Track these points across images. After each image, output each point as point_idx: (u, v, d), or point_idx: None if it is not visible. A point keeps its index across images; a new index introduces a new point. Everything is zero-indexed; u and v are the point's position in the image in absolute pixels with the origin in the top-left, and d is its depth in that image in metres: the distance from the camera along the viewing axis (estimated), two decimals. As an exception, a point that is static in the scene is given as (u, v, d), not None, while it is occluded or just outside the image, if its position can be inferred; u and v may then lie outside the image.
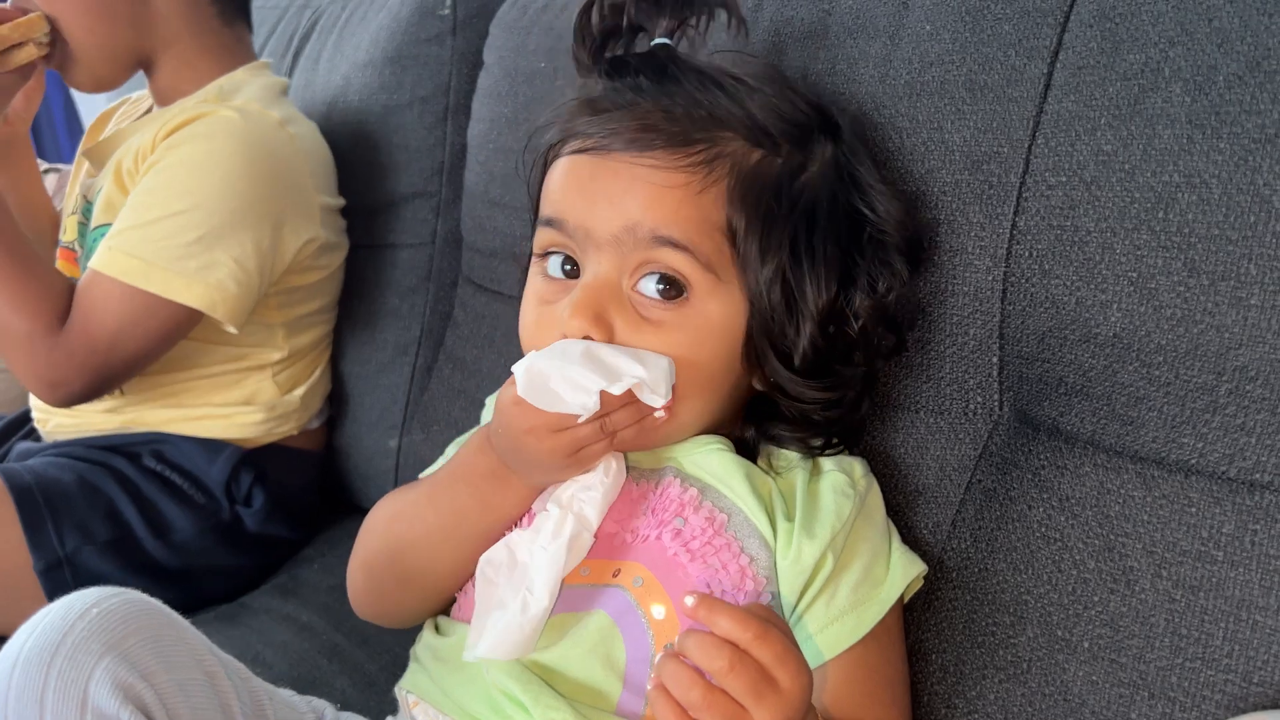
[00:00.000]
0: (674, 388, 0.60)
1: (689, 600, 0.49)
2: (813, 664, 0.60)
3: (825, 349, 0.63)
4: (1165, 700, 0.56)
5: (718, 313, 0.62)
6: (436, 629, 0.69)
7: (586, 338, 0.60)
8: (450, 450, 0.75)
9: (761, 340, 0.63)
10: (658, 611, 0.60)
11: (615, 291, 0.61)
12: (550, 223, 0.63)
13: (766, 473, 0.65)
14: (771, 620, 0.50)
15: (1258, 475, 0.55)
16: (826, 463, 0.66)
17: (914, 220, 0.67)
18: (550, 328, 0.62)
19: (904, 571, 0.63)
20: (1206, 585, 0.55)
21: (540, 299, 0.65)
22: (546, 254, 0.64)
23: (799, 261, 0.62)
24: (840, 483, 0.64)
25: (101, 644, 0.50)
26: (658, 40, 0.67)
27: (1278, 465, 0.54)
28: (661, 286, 0.60)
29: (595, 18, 0.67)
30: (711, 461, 0.64)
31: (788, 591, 0.61)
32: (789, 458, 0.67)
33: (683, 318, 0.61)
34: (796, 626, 0.61)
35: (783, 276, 0.62)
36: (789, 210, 0.62)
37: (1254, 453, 0.55)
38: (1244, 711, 0.52)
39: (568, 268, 0.63)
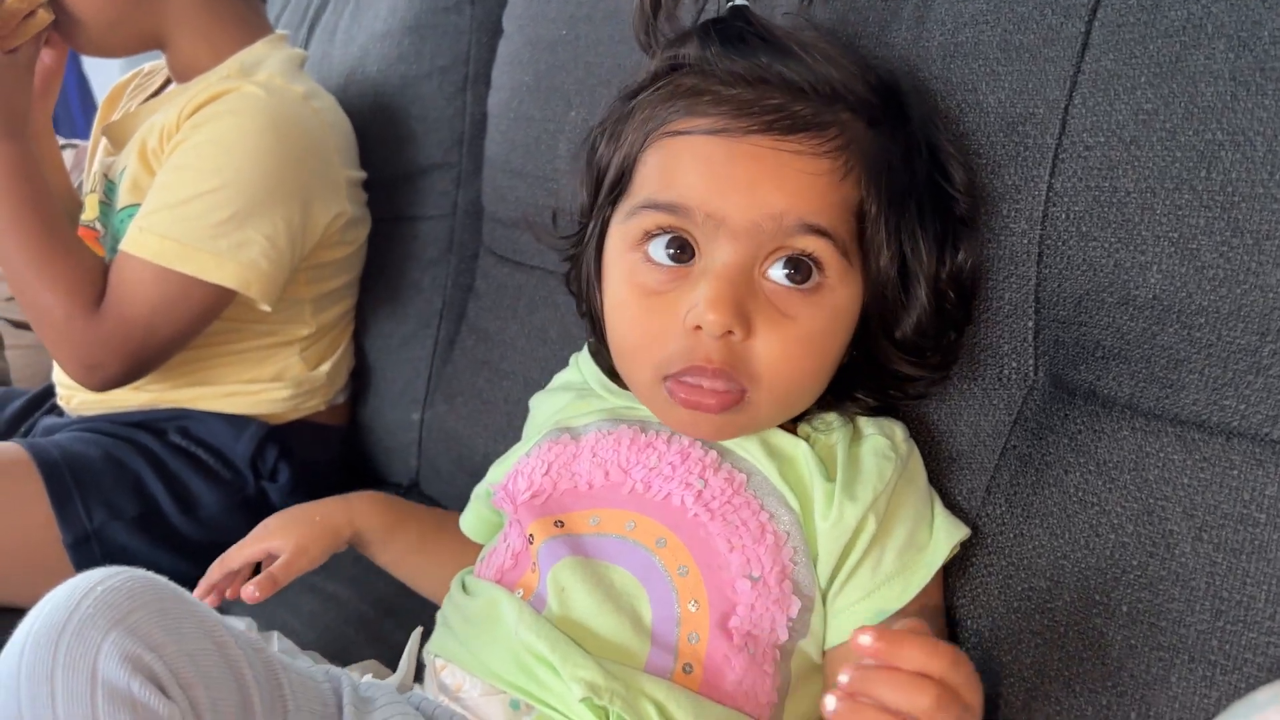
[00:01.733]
0: (784, 390, 0.60)
1: (864, 639, 0.45)
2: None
3: (930, 323, 0.64)
4: (1206, 664, 0.55)
5: (845, 298, 0.61)
6: (464, 588, 0.69)
7: (728, 334, 0.58)
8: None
9: (875, 320, 0.63)
10: (682, 570, 0.60)
11: (749, 280, 0.59)
12: (668, 208, 0.59)
13: (800, 436, 0.65)
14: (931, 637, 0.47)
15: (1302, 437, 0.54)
16: (867, 426, 0.66)
17: (977, 186, 0.66)
18: (668, 321, 0.60)
19: (948, 535, 0.63)
20: (1248, 548, 0.55)
21: (645, 289, 0.61)
22: (649, 236, 0.61)
23: (914, 238, 0.63)
24: (881, 446, 0.64)
25: (108, 619, 0.50)
26: (736, 3, 0.64)
27: (1323, 426, 0.54)
28: (789, 271, 0.59)
29: None
30: None
31: (828, 553, 0.61)
32: (827, 420, 0.66)
33: (816, 307, 0.60)
34: (841, 593, 0.61)
35: (901, 254, 0.62)
36: (905, 188, 0.62)
37: (1298, 414, 0.55)
38: (1287, 674, 0.52)
39: (672, 252, 0.60)
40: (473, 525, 0.79)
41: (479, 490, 0.77)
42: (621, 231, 0.63)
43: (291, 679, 0.60)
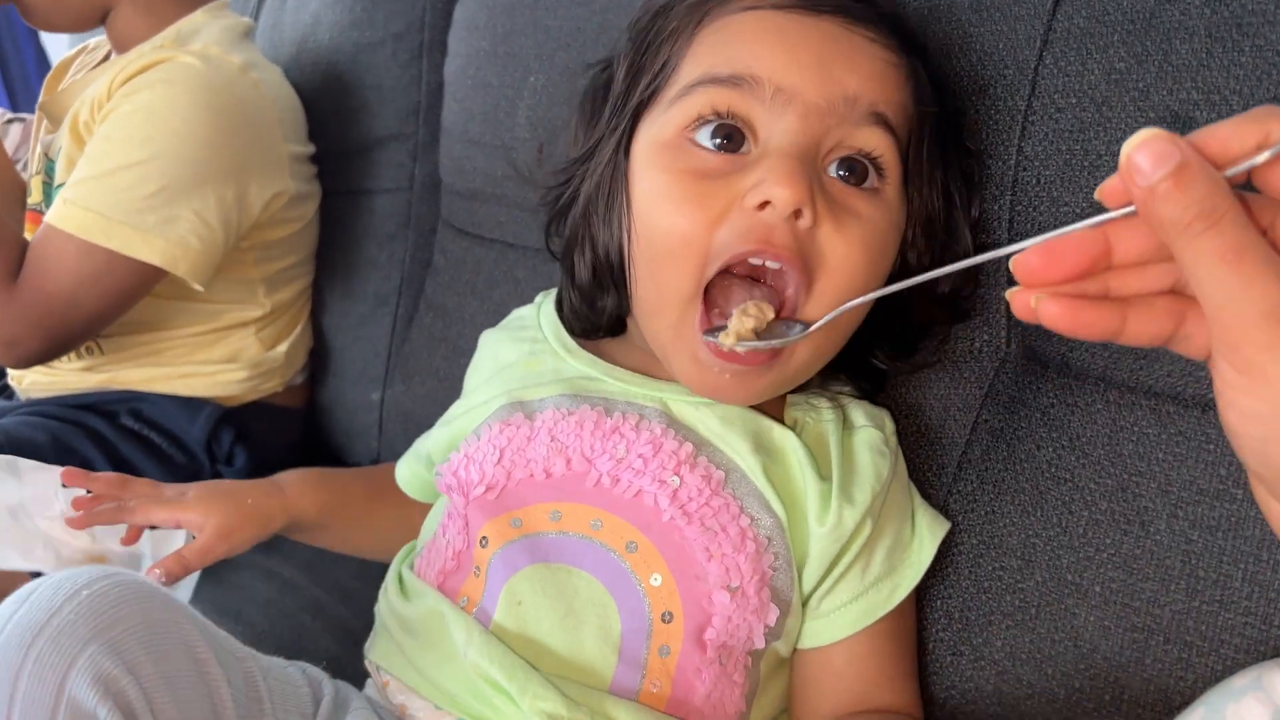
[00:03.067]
0: (841, 293, 0.53)
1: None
2: (844, 634, 0.58)
3: (967, 272, 0.61)
4: (1181, 645, 0.53)
5: (897, 213, 0.57)
6: (401, 586, 0.64)
7: (796, 214, 0.52)
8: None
9: (915, 254, 0.59)
10: (655, 579, 0.55)
11: (815, 166, 0.54)
12: (731, 80, 0.54)
13: (787, 424, 0.61)
14: None
15: None
16: (856, 414, 0.62)
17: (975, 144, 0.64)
18: (722, 202, 0.53)
19: (933, 533, 0.60)
20: (1225, 525, 0.53)
21: (693, 172, 0.54)
22: (700, 121, 0.55)
23: (956, 178, 0.60)
24: (875, 440, 0.60)
25: (89, 629, 0.47)
26: None
27: (1302, 398, 0.52)
28: (844, 173, 0.55)
29: None
30: (709, 414, 0.59)
31: (820, 557, 0.57)
32: (814, 406, 0.62)
33: (875, 210, 0.55)
34: (829, 595, 0.58)
35: (944, 187, 0.59)
36: (945, 126, 0.60)
37: (1276, 385, 0.52)
38: (1263, 656, 0.50)
39: (719, 141, 0.55)
40: (412, 485, 0.75)
41: (419, 449, 0.73)
42: (663, 120, 0.56)
43: (272, 687, 0.56)
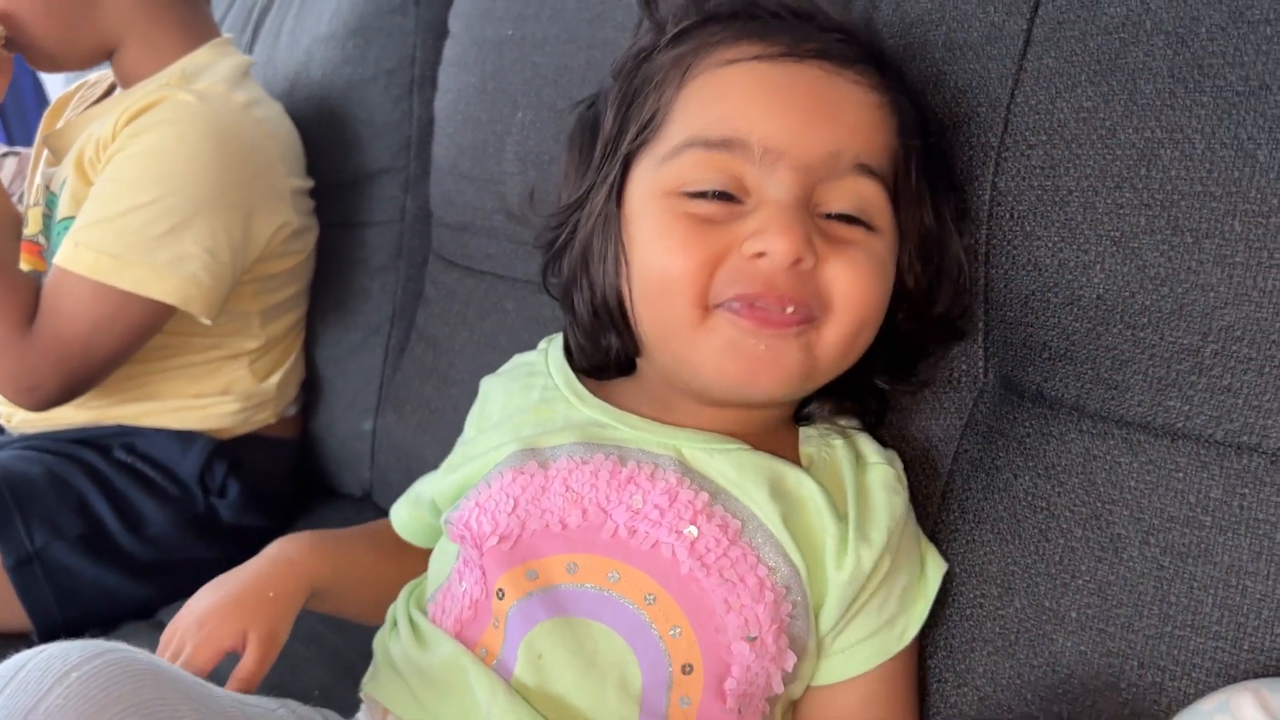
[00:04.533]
0: (857, 319, 0.56)
1: None
2: (857, 672, 0.59)
3: (965, 293, 0.63)
4: (1155, 669, 0.55)
5: (891, 241, 0.59)
6: (415, 631, 0.62)
7: (797, 262, 0.53)
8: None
9: (911, 284, 0.61)
10: (674, 632, 0.55)
11: (809, 212, 0.55)
12: (721, 144, 0.55)
13: (803, 464, 0.61)
14: None
15: (1245, 438, 0.54)
16: (869, 451, 0.63)
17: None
18: (720, 246, 0.54)
19: (936, 570, 0.61)
20: (1195, 552, 0.54)
21: (692, 217, 0.55)
22: (693, 195, 0.55)
23: (943, 197, 0.62)
24: (889, 478, 0.61)
25: (77, 714, 0.46)
26: None
27: (1265, 427, 0.53)
28: (836, 219, 0.56)
29: None
30: (724, 461, 0.59)
31: (839, 601, 0.57)
32: (826, 440, 0.63)
33: (871, 238, 0.57)
34: (844, 632, 0.58)
35: (934, 208, 0.61)
36: (934, 142, 0.61)
37: (1241, 415, 0.54)
38: (1234, 679, 0.51)
39: (714, 193, 0.55)
40: (411, 530, 0.73)
41: (419, 494, 0.71)
42: (655, 177, 0.57)
43: None
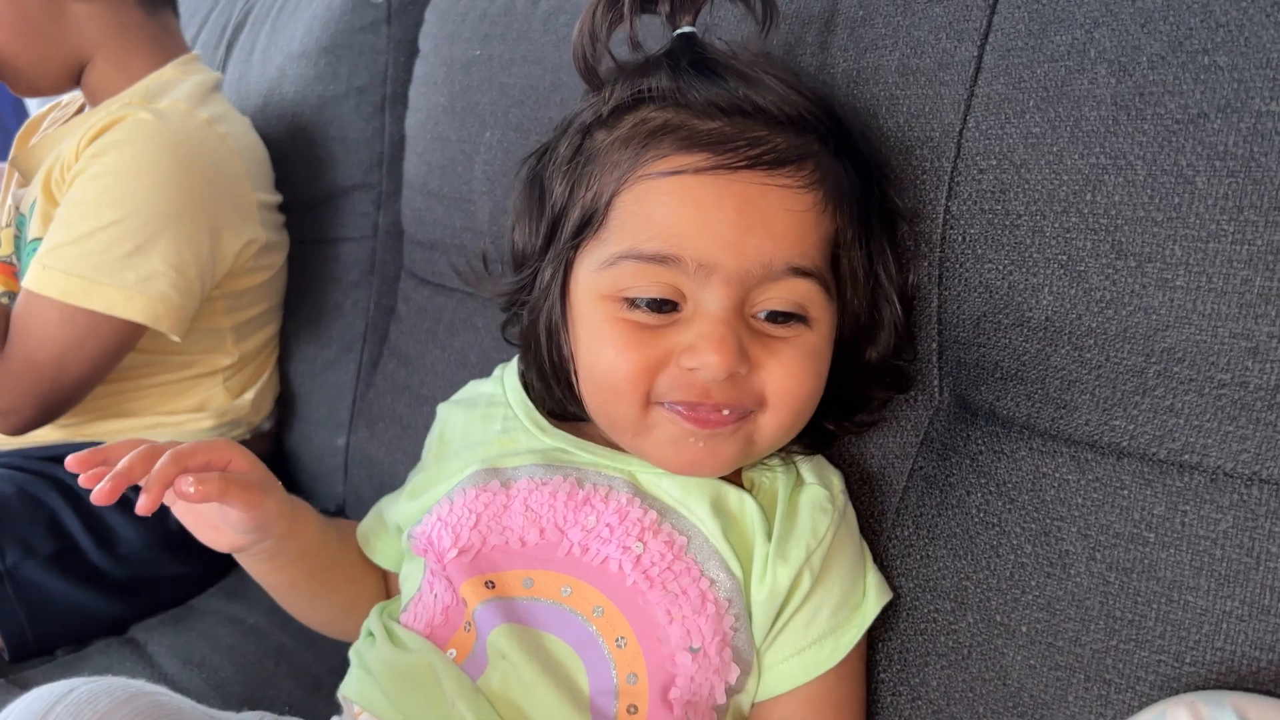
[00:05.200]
0: (792, 411, 0.59)
1: None
2: (787, 688, 0.60)
3: (903, 342, 0.64)
4: (1100, 683, 0.56)
5: (828, 325, 0.61)
6: (389, 635, 0.64)
7: (733, 375, 0.56)
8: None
9: (849, 344, 0.63)
10: (620, 642, 0.58)
11: (742, 318, 0.57)
12: (656, 258, 0.56)
13: (745, 486, 0.63)
14: None
15: (1186, 456, 0.55)
16: (807, 472, 0.65)
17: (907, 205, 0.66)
18: (659, 354, 0.57)
19: (878, 597, 0.62)
20: (1139, 567, 0.56)
21: (630, 324, 0.58)
22: (631, 303, 0.57)
23: (884, 257, 0.63)
24: (819, 498, 0.63)
25: None
26: (682, 30, 0.62)
27: (1205, 446, 0.55)
28: (771, 321, 0.58)
29: (601, 18, 0.62)
30: (671, 484, 0.62)
31: (763, 617, 0.59)
32: (768, 466, 0.65)
33: (806, 333, 0.59)
34: (772, 647, 0.60)
35: (874, 275, 0.62)
36: (869, 210, 0.62)
37: (1182, 434, 0.55)
38: (1177, 692, 0.53)
39: (650, 301, 0.57)
40: (382, 554, 0.74)
41: (386, 518, 0.72)
42: (595, 280, 0.59)
43: None
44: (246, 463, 0.63)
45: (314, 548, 0.70)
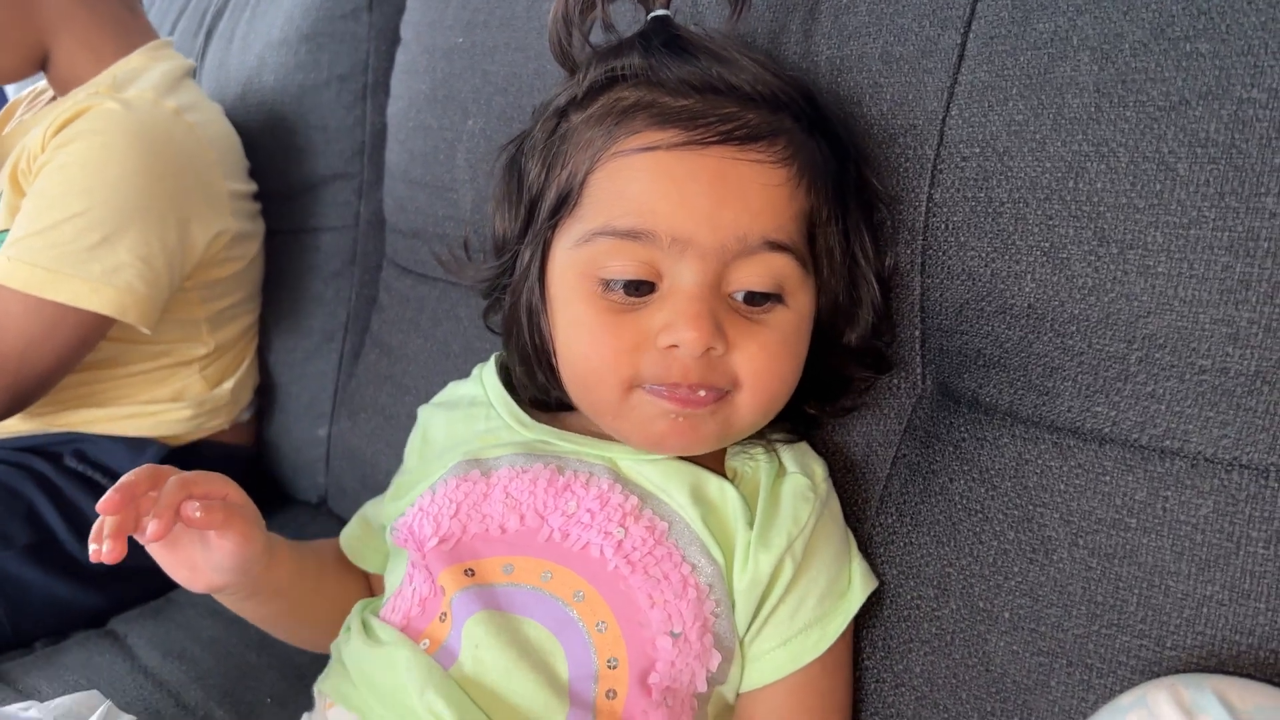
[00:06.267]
0: (769, 392, 0.59)
1: None
2: (773, 678, 0.60)
3: (882, 323, 0.64)
4: (1083, 668, 0.56)
5: (806, 304, 0.60)
6: (365, 629, 0.64)
7: (710, 350, 0.56)
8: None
9: (828, 326, 0.63)
10: (600, 626, 0.58)
11: (718, 295, 0.57)
12: (630, 234, 0.56)
13: (727, 475, 0.63)
14: None
15: (1168, 442, 0.56)
16: (789, 461, 0.65)
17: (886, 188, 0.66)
18: (637, 336, 0.57)
19: (864, 584, 0.62)
20: (1121, 553, 0.56)
21: (607, 307, 0.58)
22: (607, 283, 0.57)
23: (861, 238, 0.63)
24: (801, 486, 0.63)
25: None
26: (657, 13, 0.63)
27: (1186, 432, 0.55)
28: (748, 301, 0.58)
29: (574, 2, 0.62)
30: (652, 470, 0.62)
31: (745, 605, 0.59)
32: (751, 455, 0.65)
33: (784, 314, 0.59)
34: (758, 637, 0.60)
35: (851, 255, 0.62)
36: (845, 191, 0.62)
37: (1164, 420, 0.56)
38: (1158, 676, 0.53)
39: (627, 283, 0.57)
40: (362, 554, 0.74)
41: (370, 520, 0.73)
42: (572, 258, 0.59)
43: None
44: (241, 497, 0.62)
45: (291, 580, 0.69)
